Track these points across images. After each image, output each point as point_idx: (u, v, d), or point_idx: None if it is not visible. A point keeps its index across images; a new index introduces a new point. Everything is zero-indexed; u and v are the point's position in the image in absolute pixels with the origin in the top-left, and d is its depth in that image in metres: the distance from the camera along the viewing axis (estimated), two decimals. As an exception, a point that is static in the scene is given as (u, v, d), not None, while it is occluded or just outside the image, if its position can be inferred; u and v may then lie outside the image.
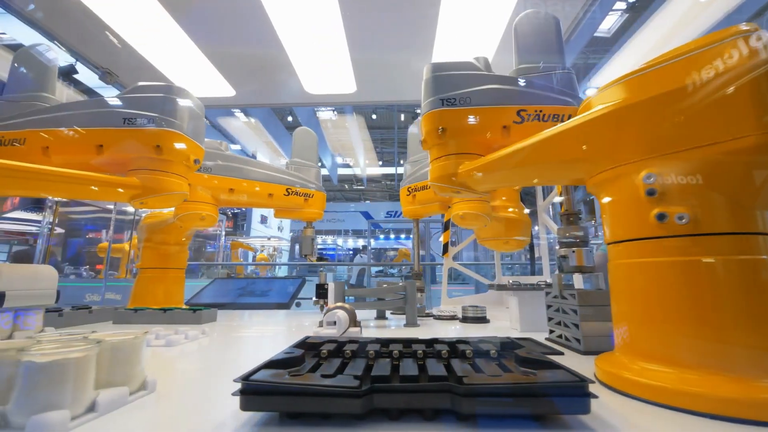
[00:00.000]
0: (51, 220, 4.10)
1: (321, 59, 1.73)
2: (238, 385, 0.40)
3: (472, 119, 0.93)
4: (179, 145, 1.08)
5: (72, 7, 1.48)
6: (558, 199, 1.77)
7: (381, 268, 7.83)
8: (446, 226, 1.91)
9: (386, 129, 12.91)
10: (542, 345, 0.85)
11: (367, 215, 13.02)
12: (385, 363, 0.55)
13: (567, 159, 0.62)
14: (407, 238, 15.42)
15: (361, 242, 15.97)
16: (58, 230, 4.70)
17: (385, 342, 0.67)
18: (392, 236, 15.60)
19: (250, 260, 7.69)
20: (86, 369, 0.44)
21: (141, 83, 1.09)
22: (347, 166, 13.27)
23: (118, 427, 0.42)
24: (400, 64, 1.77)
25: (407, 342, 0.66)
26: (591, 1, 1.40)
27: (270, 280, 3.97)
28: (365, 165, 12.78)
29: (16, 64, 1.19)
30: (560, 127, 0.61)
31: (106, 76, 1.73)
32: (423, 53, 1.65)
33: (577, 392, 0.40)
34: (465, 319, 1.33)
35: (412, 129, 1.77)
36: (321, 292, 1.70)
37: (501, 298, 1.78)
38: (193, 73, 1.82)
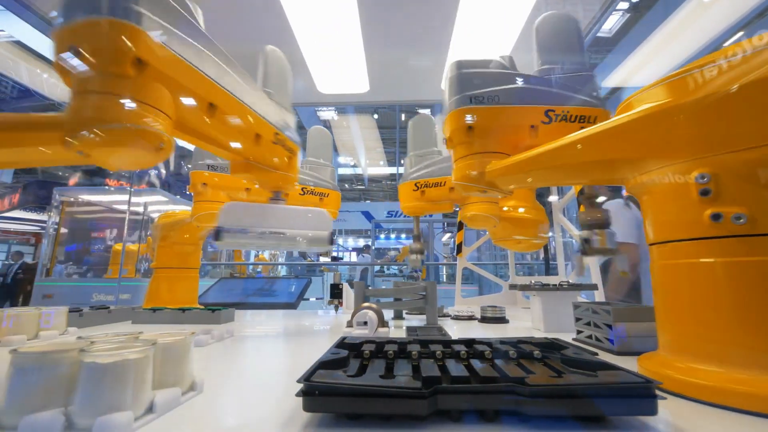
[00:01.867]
0: (57, 220, 4.09)
1: (336, 58, 1.72)
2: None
3: (500, 118, 0.93)
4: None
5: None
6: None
7: (380, 267, 7.83)
8: (460, 226, 1.91)
9: (386, 129, 12.92)
10: (576, 346, 0.85)
11: (367, 215, 13.00)
12: (430, 364, 0.55)
13: (611, 158, 0.62)
14: (408, 237, 15.44)
15: (361, 242, 15.97)
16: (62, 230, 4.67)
17: (424, 342, 0.67)
18: (392, 236, 15.61)
19: (251, 260, 7.67)
20: (145, 369, 0.44)
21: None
22: (353, 166, 13.24)
23: (181, 428, 0.42)
24: (414, 64, 1.77)
25: (446, 342, 0.66)
26: (608, 2, 1.40)
27: (275, 280, 3.97)
28: (366, 165, 12.77)
29: None
30: (605, 125, 0.61)
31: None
32: (439, 53, 1.65)
33: (643, 393, 0.40)
34: (484, 319, 1.33)
35: (413, 123, 1.73)
36: (336, 292, 1.70)
37: (515, 298, 1.78)
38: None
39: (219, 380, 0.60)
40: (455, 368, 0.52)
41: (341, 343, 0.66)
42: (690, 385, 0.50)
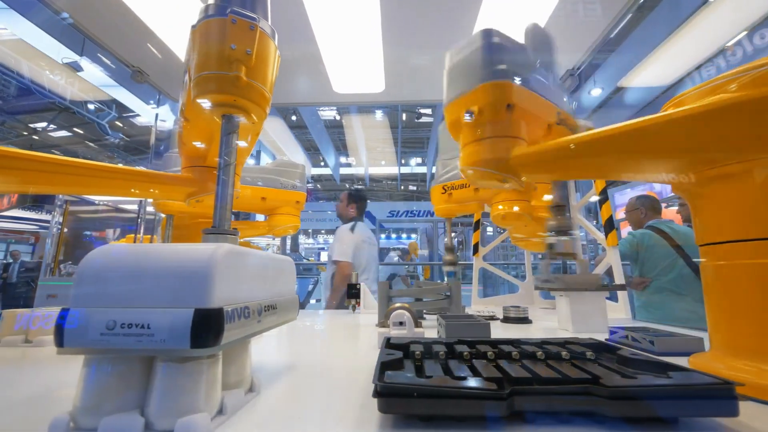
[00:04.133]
0: (60, 219, 4.06)
1: (353, 57, 1.72)
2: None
3: (532, 105, 0.86)
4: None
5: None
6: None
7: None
8: (476, 226, 1.91)
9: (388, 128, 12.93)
10: (624, 347, 0.85)
11: (369, 215, 13.01)
12: (484, 364, 0.55)
13: (675, 149, 0.59)
14: (408, 237, 15.47)
15: (362, 242, 15.99)
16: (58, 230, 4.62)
17: (471, 343, 0.66)
18: (393, 236, 15.64)
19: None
20: (216, 369, 0.43)
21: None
22: (366, 165, 13.24)
23: (258, 430, 0.42)
24: (431, 64, 1.77)
25: (492, 343, 0.66)
26: (631, 3, 1.40)
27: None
28: (367, 165, 12.76)
29: None
30: (676, 113, 0.57)
31: (136, 75, 1.70)
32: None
33: (724, 394, 0.39)
34: (507, 320, 1.33)
35: (440, 128, 1.74)
36: (353, 292, 1.70)
37: (532, 298, 1.78)
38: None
39: (269, 380, 0.60)
40: (512, 369, 0.51)
41: (388, 344, 0.66)
42: (759, 386, 0.50)
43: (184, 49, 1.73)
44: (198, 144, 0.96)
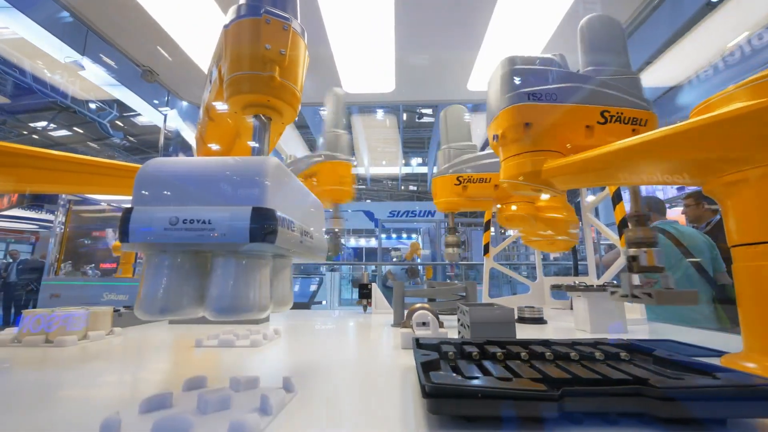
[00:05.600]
0: (63, 219, 4.04)
1: (364, 57, 1.72)
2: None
3: (557, 116, 0.92)
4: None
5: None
6: (590, 197, 1.78)
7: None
8: (486, 226, 1.91)
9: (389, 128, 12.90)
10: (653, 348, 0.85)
11: (369, 215, 13.01)
12: (518, 364, 0.55)
13: (697, 157, 0.61)
14: (408, 237, 15.49)
15: (362, 241, 16.03)
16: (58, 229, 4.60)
17: (501, 344, 0.66)
18: (394, 236, 15.67)
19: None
20: (266, 271, 0.48)
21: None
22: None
23: (304, 428, 0.41)
24: (441, 64, 1.76)
25: (523, 343, 0.66)
26: (645, 4, 1.41)
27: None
28: (369, 165, 12.75)
29: None
30: (694, 122, 0.59)
31: (146, 74, 1.70)
32: (469, 53, 1.65)
33: (773, 395, 0.39)
34: (521, 320, 1.33)
35: (448, 114, 1.59)
36: (364, 292, 1.69)
37: (542, 298, 1.78)
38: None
39: (303, 382, 0.59)
40: (552, 370, 0.51)
41: (419, 344, 0.66)
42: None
43: (196, 50, 1.73)
44: (217, 145, 0.95)
